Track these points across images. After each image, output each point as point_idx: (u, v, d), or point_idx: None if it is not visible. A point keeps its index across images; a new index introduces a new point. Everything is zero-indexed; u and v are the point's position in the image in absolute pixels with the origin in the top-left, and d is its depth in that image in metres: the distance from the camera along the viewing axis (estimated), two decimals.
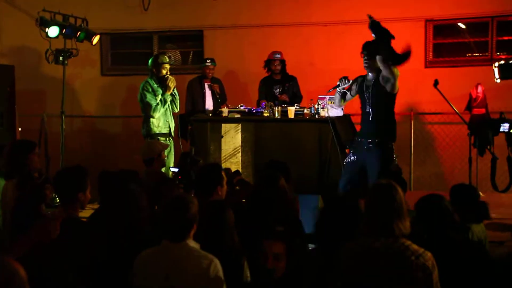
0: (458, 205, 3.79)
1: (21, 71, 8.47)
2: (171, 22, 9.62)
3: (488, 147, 5.77)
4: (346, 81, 5.81)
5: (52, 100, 9.34)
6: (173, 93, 7.17)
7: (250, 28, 9.30)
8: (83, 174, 3.73)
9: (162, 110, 7.08)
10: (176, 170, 6.57)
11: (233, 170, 6.72)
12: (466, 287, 3.22)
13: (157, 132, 7.11)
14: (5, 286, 1.84)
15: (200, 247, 3.12)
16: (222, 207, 3.51)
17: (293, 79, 7.84)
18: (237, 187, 4.97)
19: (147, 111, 7.06)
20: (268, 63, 7.78)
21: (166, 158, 6.23)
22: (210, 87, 7.95)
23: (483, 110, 7.16)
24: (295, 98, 7.68)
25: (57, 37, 7.61)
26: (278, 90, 7.78)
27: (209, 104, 7.95)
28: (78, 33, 7.83)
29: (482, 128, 6.09)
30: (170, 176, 6.43)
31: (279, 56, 7.72)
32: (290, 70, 7.91)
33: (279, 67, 7.74)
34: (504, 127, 5.34)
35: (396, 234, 2.92)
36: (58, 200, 3.84)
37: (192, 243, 3.07)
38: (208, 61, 7.99)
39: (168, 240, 3.06)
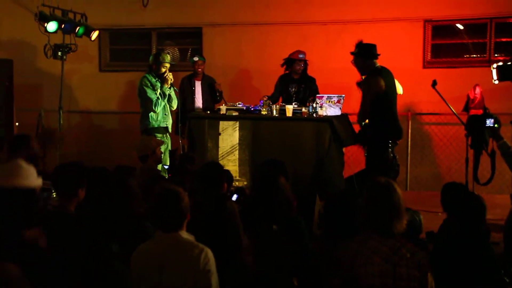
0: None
1: (19, 66, 8.47)
2: (170, 19, 9.63)
3: (485, 148, 5.79)
4: None
5: (49, 95, 9.33)
6: (172, 90, 7.20)
7: (249, 26, 9.30)
8: (83, 171, 3.74)
9: (163, 104, 7.12)
10: (167, 167, 6.60)
11: (231, 168, 6.76)
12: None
13: (156, 126, 7.15)
14: None
15: (206, 240, 3.16)
16: (225, 198, 3.57)
17: (311, 81, 7.67)
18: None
19: (148, 106, 7.10)
20: (291, 62, 7.59)
21: (162, 155, 6.24)
22: (203, 85, 7.94)
23: (480, 111, 7.15)
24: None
25: (55, 32, 7.61)
26: (293, 89, 7.65)
27: (198, 102, 7.95)
28: (77, 29, 7.82)
29: (478, 128, 6.12)
30: (163, 173, 6.45)
31: (303, 56, 7.56)
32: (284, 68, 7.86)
33: (302, 68, 7.60)
34: (490, 122, 5.41)
35: (393, 233, 2.94)
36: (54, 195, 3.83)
37: (185, 234, 3.12)
38: (196, 57, 7.97)
39: (161, 231, 3.12)
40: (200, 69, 7.97)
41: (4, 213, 2.66)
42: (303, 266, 3.44)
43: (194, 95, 7.96)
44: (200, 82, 8.00)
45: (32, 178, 2.79)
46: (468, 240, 3.43)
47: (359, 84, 6.50)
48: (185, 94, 7.97)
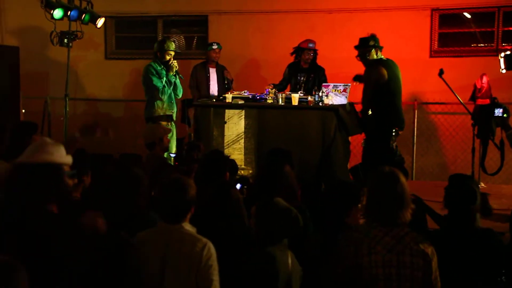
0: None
1: (26, 53, 8.47)
2: (176, 7, 9.60)
3: (492, 138, 5.77)
4: None
5: (55, 82, 9.34)
6: (177, 78, 7.18)
7: (255, 14, 9.26)
8: (85, 157, 3.75)
9: (169, 91, 7.11)
10: (174, 155, 6.61)
11: (236, 156, 6.76)
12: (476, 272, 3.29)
13: (162, 114, 7.13)
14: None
15: (207, 229, 3.13)
16: (228, 187, 3.58)
17: (320, 70, 7.60)
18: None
19: (154, 94, 7.09)
20: (301, 51, 7.52)
21: (169, 143, 6.24)
22: (218, 72, 7.92)
23: (487, 101, 7.14)
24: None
25: (61, 19, 7.60)
26: (303, 78, 7.59)
27: (213, 89, 7.92)
28: (83, 16, 7.82)
29: (485, 118, 6.11)
30: (171, 161, 6.47)
31: (313, 46, 7.48)
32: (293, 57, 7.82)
33: (311, 57, 7.53)
34: (498, 111, 5.39)
35: (397, 223, 2.92)
36: None
37: (188, 226, 3.07)
38: (214, 44, 7.95)
39: (164, 221, 3.07)
40: (217, 58, 7.94)
41: (28, 187, 2.71)
42: (306, 255, 3.45)
43: (209, 81, 7.92)
44: (214, 69, 7.97)
45: (59, 154, 2.79)
46: (468, 231, 3.43)
47: (355, 79, 6.55)
48: (199, 82, 7.93)
